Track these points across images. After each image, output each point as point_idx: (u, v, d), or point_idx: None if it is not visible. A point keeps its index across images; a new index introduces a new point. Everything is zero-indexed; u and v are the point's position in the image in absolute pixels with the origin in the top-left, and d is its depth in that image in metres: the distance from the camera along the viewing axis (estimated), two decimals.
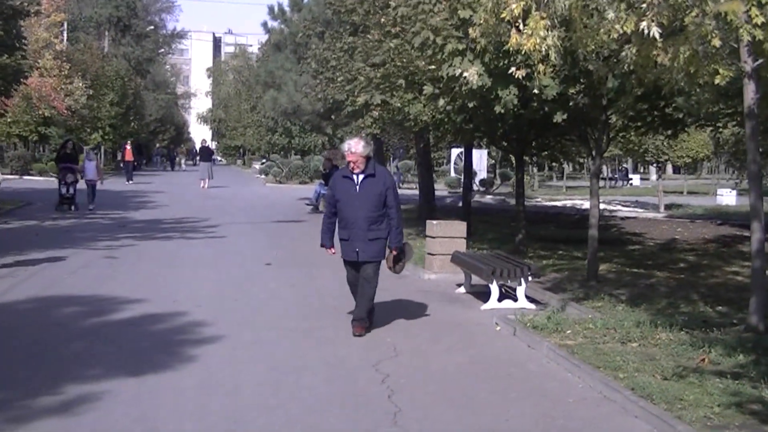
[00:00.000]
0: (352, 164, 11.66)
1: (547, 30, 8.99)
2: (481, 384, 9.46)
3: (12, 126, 52.45)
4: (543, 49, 8.84)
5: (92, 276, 16.17)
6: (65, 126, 56.14)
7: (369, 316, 11.96)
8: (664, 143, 38.99)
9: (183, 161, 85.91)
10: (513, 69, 10.90)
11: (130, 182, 52.09)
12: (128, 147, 56.97)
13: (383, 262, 12.03)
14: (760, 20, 8.13)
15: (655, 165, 55.51)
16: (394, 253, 11.97)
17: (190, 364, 9.96)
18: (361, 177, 11.70)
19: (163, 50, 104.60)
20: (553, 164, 56.04)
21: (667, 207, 37.89)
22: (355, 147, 11.60)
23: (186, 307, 13.13)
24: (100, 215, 28.83)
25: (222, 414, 8.12)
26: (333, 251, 12.00)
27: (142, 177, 60.59)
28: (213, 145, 66.46)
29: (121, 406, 8.24)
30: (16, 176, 51.37)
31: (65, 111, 53.21)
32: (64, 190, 30.52)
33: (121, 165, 57.25)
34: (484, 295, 14.43)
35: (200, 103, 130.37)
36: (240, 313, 12.90)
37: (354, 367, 10.05)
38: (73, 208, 30.44)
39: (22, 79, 29.60)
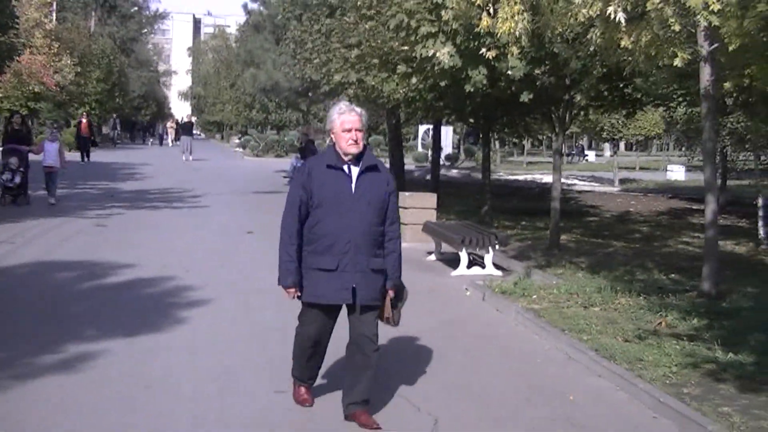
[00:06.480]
0: (350, 141, 6.72)
1: (520, 14, 9.02)
2: (453, 345, 9.53)
3: (3, 101, 51.95)
4: (517, 32, 8.86)
5: (85, 243, 16.10)
6: (54, 101, 55.64)
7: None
8: (620, 122, 39.25)
9: (170, 138, 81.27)
10: (484, 50, 10.93)
11: (85, 160, 44.00)
12: (84, 120, 47.80)
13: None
14: (716, 7, 8.15)
15: (610, 142, 55.83)
16: (392, 294, 7.10)
17: (181, 325, 9.98)
18: (356, 171, 6.79)
19: (146, 30, 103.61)
20: (515, 140, 56.23)
21: (621, 182, 38.15)
22: (358, 109, 6.88)
23: (175, 272, 13.10)
24: (89, 185, 28.59)
25: (211, 371, 8.16)
26: (297, 293, 7.00)
27: (124, 151, 60.02)
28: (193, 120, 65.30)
29: (117, 364, 8.26)
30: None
31: (54, 87, 52.77)
32: (7, 177, 22.01)
33: (77, 141, 47.10)
34: (453, 262, 14.51)
35: (180, 80, 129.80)
36: (226, 278, 12.90)
37: None
38: (20, 202, 22.24)
39: (14, 56, 29.24)
